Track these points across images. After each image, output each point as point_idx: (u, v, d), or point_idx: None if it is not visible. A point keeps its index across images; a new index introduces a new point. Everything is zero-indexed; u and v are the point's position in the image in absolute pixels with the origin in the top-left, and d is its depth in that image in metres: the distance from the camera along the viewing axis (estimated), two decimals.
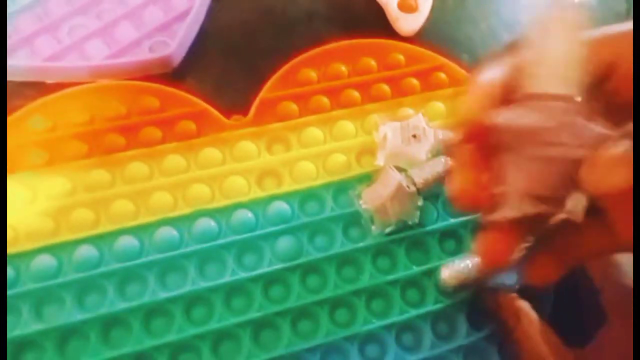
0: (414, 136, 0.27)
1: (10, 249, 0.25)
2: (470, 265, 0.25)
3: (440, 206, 0.28)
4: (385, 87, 0.31)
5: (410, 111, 0.30)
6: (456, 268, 0.25)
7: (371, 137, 0.29)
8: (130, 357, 0.23)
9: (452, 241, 0.28)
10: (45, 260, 0.25)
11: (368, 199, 0.26)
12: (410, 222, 0.26)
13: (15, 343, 0.23)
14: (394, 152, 0.27)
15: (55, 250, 0.25)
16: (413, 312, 0.25)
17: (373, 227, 0.26)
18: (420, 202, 0.26)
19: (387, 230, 0.26)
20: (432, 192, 0.27)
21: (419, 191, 0.26)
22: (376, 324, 0.25)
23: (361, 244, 0.26)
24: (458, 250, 0.27)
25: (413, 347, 0.25)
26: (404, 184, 0.26)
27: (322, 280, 0.26)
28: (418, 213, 0.27)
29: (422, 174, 0.26)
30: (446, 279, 0.25)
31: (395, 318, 0.25)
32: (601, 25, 0.18)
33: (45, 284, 0.24)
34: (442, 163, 0.26)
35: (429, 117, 0.30)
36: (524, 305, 0.24)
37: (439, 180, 0.26)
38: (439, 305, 0.26)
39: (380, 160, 0.27)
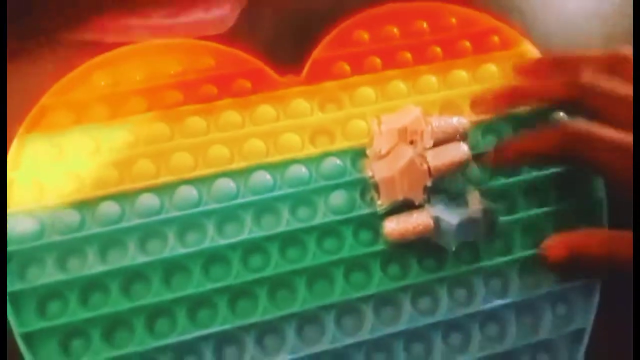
0: (412, 142, 0.26)
1: (77, 196, 0.26)
2: (415, 219, 0.25)
3: None
4: (438, 50, 0.31)
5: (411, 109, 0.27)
6: (402, 221, 0.25)
7: (424, 96, 0.29)
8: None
9: None
10: (110, 207, 0.26)
11: (377, 170, 0.26)
12: (416, 202, 0.25)
13: (83, 282, 0.24)
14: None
15: (119, 198, 0.26)
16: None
17: (378, 202, 0.26)
18: (429, 183, 0.25)
19: (389, 206, 0.26)
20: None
21: (430, 172, 0.25)
22: (429, 277, 0.26)
23: None
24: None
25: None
26: (417, 161, 0.25)
27: (374, 234, 0.26)
28: (424, 195, 0.25)
29: (438, 157, 0.25)
30: (390, 233, 0.25)
31: (447, 272, 0.26)
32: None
33: (109, 229, 0.25)
34: (461, 150, 0.25)
35: (481, 79, 0.30)
36: None
37: (454, 167, 0.25)
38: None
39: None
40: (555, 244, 0.25)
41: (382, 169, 0.26)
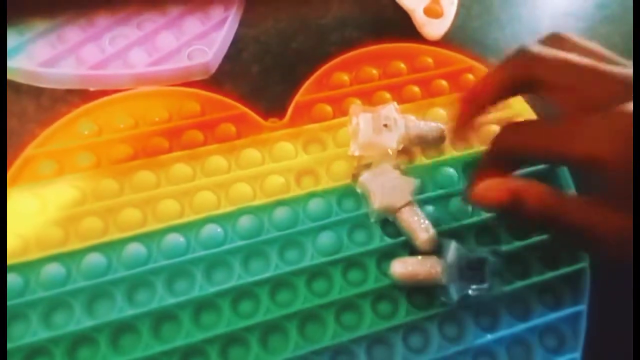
0: (385, 126, 0.28)
1: (62, 249, 0.26)
2: (421, 262, 0.25)
3: None
4: (416, 89, 0.32)
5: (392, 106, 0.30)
6: (408, 263, 0.26)
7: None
8: None
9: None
10: (96, 259, 0.26)
11: (367, 182, 0.27)
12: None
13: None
14: (366, 141, 0.28)
15: (105, 249, 0.26)
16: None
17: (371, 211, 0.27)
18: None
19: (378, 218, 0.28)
20: None
21: None
22: (419, 315, 0.26)
23: (400, 239, 0.27)
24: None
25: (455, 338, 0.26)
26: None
27: (364, 273, 0.27)
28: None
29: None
30: (397, 274, 0.25)
31: (436, 310, 0.26)
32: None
33: (95, 282, 0.25)
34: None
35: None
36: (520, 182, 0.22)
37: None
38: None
39: (354, 150, 0.28)
40: (496, 186, 0.22)
41: (371, 183, 0.27)
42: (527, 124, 0.25)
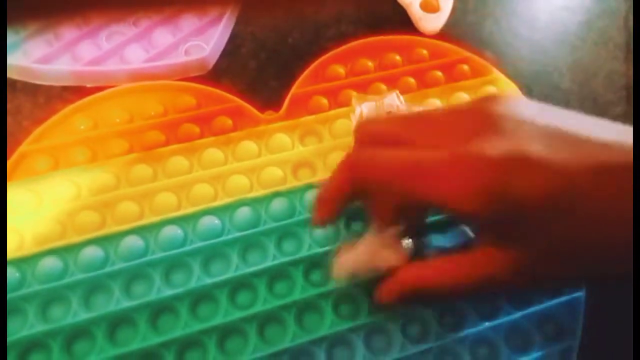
0: (389, 114, 0.29)
1: (58, 242, 0.26)
2: (360, 255, 0.24)
3: None
4: (411, 80, 0.32)
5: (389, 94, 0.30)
6: (347, 258, 0.24)
7: None
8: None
9: None
10: (93, 252, 0.26)
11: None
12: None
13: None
14: None
15: (102, 242, 0.26)
16: None
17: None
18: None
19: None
20: None
21: None
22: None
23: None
24: None
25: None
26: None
27: None
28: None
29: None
30: (338, 271, 0.24)
31: None
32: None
33: (93, 274, 0.25)
34: None
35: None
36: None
37: None
38: None
39: None
40: (388, 290, 0.23)
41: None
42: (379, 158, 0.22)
